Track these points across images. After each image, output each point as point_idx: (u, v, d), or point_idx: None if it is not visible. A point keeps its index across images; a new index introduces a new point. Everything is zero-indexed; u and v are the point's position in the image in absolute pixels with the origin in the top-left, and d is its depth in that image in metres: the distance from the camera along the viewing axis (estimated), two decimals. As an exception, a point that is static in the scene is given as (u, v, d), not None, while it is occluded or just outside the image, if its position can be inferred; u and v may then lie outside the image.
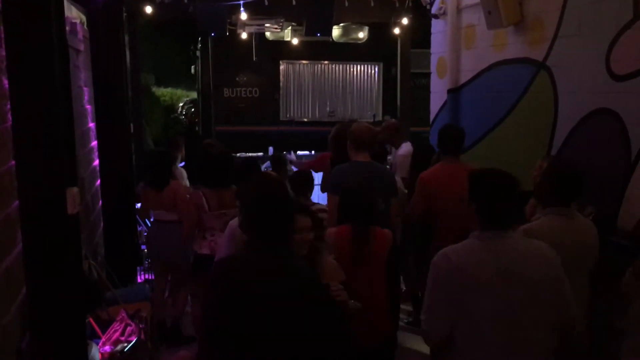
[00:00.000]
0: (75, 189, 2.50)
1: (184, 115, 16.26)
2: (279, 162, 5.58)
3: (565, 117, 4.65)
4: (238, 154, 10.26)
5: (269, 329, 2.13)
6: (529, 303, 2.34)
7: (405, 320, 5.27)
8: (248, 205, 2.37)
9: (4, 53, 2.58)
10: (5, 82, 2.64)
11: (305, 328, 2.16)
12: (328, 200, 4.19)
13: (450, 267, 2.40)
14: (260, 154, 10.42)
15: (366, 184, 3.60)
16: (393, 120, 6.51)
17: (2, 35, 2.64)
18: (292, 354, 2.14)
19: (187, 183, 6.25)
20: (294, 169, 6.35)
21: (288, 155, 6.46)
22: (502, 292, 2.33)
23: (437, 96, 6.80)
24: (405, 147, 5.94)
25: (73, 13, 5.10)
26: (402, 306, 5.31)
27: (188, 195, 4.77)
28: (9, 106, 2.62)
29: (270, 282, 2.17)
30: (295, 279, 2.22)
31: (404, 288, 5.49)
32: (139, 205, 6.32)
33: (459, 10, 6.20)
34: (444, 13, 6.43)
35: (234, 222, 3.47)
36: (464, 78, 6.21)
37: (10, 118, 2.50)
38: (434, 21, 6.79)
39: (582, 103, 4.44)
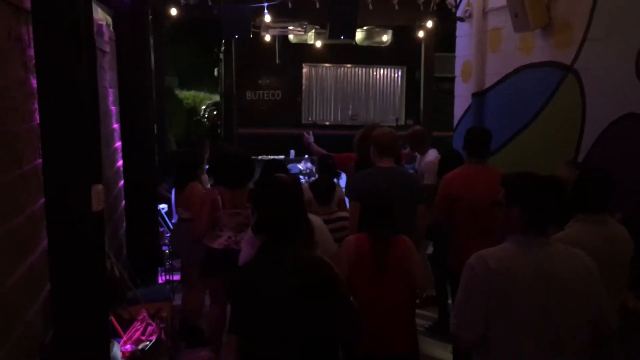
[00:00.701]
0: (100, 186, 2.52)
1: (206, 118, 16.38)
2: (326, 165, 5.57)
3: (593, 122, 4.57)
4: (260, 157, 10.29)
5: (279, 327, 2.22)
6: (567, 311, 2.29)
7: (427, 326, 5.21)
8: (261, 207, 2.42)
9: (32, 52, 2.61)
10: (34, 81, 2.67)
11: (314, 323, 2.23)
12: (350, 206, 4.15)
13: (489, 271, 2.33)
14: (282, 156, 10.44)
15: (388, 190, 3.54)
16: (418, 127, 6.42)
17: (31, 35, 2.68)
18: (302, 343, 2.24)
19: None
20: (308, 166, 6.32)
21: (306, 136, 6.37)
22: (540, 299, 2.28)
23: (461, 100, 6.74)
24: (432, 154, 5.86)
25: (99, 15, 5.16)
26: (423, 312, 5.26)
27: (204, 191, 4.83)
28: (36, 105, 2.66)
29: (275, 284, 2.24)
30: (297, 279, 2.26)
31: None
32: (161, 206, 6.37)
33: (484, 13, 6.14)
34: (470, 16, 6.38)
35: None
36: (489, 82, 6.14)
37: (38, 116, 2.52)
38: (459, 24, 6.74)
39: (611, 107, 4.36)
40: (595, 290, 2.34)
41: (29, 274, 2.57)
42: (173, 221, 6.14)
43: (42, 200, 2.66)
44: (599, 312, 2.34)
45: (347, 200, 4.52)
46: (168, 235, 6.36)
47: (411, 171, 5.62)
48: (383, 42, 12.44)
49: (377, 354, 3.22)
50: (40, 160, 2.60)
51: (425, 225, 4.18)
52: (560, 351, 2.29)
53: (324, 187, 4.46)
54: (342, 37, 8.65)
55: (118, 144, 5.64)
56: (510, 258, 2.36)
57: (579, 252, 2.42)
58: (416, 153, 6.14)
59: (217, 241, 4.42)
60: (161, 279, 6.02)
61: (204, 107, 17.36)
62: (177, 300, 5.26)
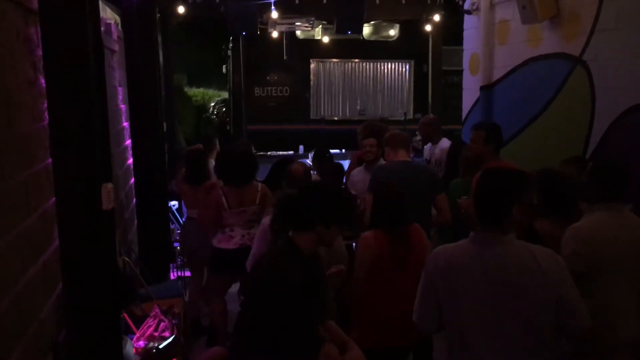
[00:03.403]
0: (110, 185, 2.54)
1: (215, 115, 16.41)
2: (320, 157, 5.63)
3: (603, 114, 4.53)
4: (269, 153, 10.31)
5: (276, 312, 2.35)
6: (517, 310, 2.27)
7: None
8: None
9: (40, 53, 2.63)
10: (42, 81, 2.70)
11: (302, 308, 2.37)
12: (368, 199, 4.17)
13: (438, 267, 2.40)
14: (291, 152, 10.45)
15: (401, 184, 3.54)
16: (432, 115, 6.41)
17: (39, 36, 2.70)
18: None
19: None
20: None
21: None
22: (488, 297, 2.29)
23: (470, 93, 6.71)
24: (447, 141, 5.84)
25: (108, 14, 5.18)
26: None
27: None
28: (46, 105, 2.68)
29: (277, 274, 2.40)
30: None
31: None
32: (172, 203, 6.41)
33: (492, 6, 6.11)
34: (477, 9, 6.35)
35: (267, 221, 3.51)
36: (497, 74, 6.11)
37: (47, 116, 2.55)
38: (466, 17, 6.71)
39: (620, 99, 4.32)
40: (553, 291, 2.28)
41: (42, 273, 2.60)
42: (184, 219, 6.18)
43: (53, 199, 2.69)
44: (561, 313, 2.29)
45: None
46: (179, 232, 6.40)
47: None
48: (390, 37, 12.40)
49: (397, 347, 3.25)
50: (50, 160, 2.62)
51: (449, 213, 4.15)
52: (514, 349, 2.28)
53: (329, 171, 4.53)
54: (349, 32, 8.65)
55: (128, 142, 5.67)
56: (460, 255, 2.38)
57: (541, 250, 2.36)
58: (422, 145, 6.14)
59: (232, 241, 4.44)
60: (173, 276, 6.06)
61: (212, 104, 17.39)
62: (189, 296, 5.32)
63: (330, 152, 5.91)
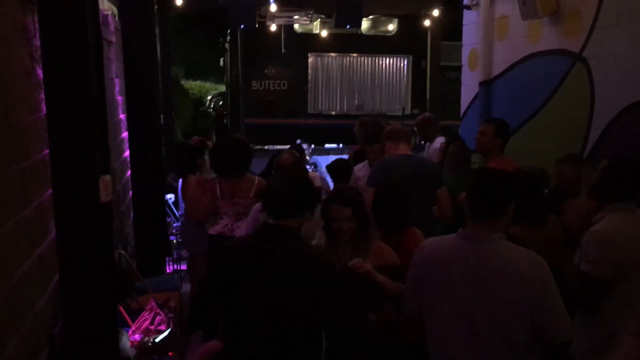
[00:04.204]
0: (107, 177, 2.51)
1: (212, 108, 16.37)
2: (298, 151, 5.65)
3: (602, 110, 4.53)
4: (266, 147, 10.28)
5: (251, 300, 2.43)
6: (492, 311, 2.24)
7: None
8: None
9: (38, 43, 2.60)
10: (40, 71, 2.67)
11: (290, 307, 2.39)
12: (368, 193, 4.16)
13: (422, 259, 2.44)
14: (289, 146, 10.43)
15: (402, 177, 3.52)
16: (427, 113, 6.42)
17: (37, 26, 2.67)
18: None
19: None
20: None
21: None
22: (464, 295, 2.28)
23: (468, 89, 6.70)
24: (440, 141, 5.85)
25: (105, 5, 5.14)
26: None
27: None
28: (42, 95, 2.65)
29: (260, 258, 2.43)
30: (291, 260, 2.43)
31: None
32: (168, 196, 6.39)
33: (492, 1, 6.09)
34: (477, 4, 6.33)
35: (257, 206, 3.52)
36: (496, 70, 6.10)
37: (45, 107, 2.52)
38: (465, 12, 6.69)
39: (620, 95, 4.32)
40: (527, 296, 2.22)
41: (38, 265, 2.58)
42: (180, 212, 6.16)
43: (50, 191, 2.67)
44: (540, 321, 2.24)
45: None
46: (175, 225, 6.39)
47: None
48: (389, 31, 12.35)
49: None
50: (47, 151, 2.60)
51: (450, 207, 4.13)
52: (485, 351, 2.25)
53: (341, 167, 4.51)
54: (348, 27, 8.61)
55: (125, 134, 5.64)
56: (445, 248, 2.39)
57: (522, 255, 2.30)
58: (423, 141, 6.13)
59: (214, 227, 4.49)
60: (169, 269, 6.05)
61: (209, 97, 17.34)
62: (185, 289, 5.29)
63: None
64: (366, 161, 5.07)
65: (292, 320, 2.41)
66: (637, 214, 2.93)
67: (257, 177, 4.65)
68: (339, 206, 2.84)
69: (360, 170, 5.03)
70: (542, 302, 2.23)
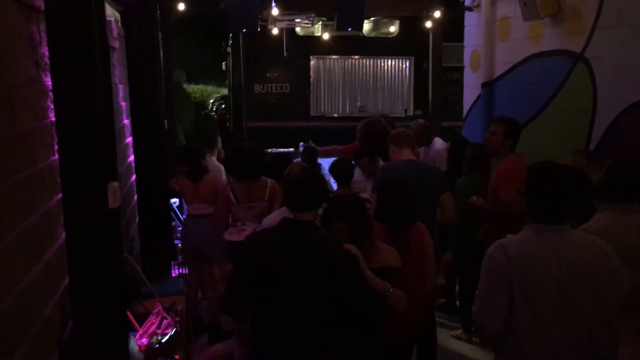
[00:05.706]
0: (116, 183, 2.54)
1: (214, 112, 16.39)
2: (310, 154, 5.66)
3: (605, 110, 4.54)
4: (269, 150, 10.30)
5: (282, 291, 2.48)
6: (592, 295, 2.27)
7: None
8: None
9: (43, 51, 2.63)
10: (46, 79, 2.69)
11: (318, 295, 2.46)
12: (371, 197, 4.16)
13: (509, 259, 2.32)
14: (292, 149, 10.44)
15: (403, 183, 3.53)
16: (421, 120, 6.49)
17: (42, 34, 2.69)
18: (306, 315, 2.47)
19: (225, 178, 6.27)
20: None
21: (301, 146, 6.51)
22: (563, 284, 2.27)
23: (470, 90, 6.71)
24: (439, 142, 5.87)
25: (108, 11, 5.17)
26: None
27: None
28: (49, 102, 2.68)
29: (285, 249, 2.51)
30: (309, 250, 2.50)
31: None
32: (173, 200, 6.40)
33: (493, 2, 6.11)
34: (478, 5, 6.35)
35: (276, 214, 3.64)
36: (498, 71, 6.12)
37: (54, 115, 2.55)
38: (467, 14, 6.71)
39: (622, 95, 4.33)
40: (618, 273, 2.31)
41: (46, 270, 2.60)
42: (184, 216, 6.16)
43: (58, 196, 2.69)
44: (620, 295, 2.31)
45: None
46: (180, 229, 6.39)
47: None
48: (390, 33, 12.34)
49: (398, 341, 3.26)
50: (54, 158, 2.62)
51: (454, 212, 4.15)
52: (590, 336, 2.28)
53: (343, 169, 4.52)
54: (349, 29, 8.61)
55: (129, 139, 5.67)
56: (529, 245, 2.35)
57: (594, 237, 2.39)
58: (419, 149, 6.14)
59: (243, 234, 4.46)
60: (174, 273, 6.06)
61: (212, 100, 17.35)
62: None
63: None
64: (357, 168, 5.06)
65: (322, 308, 2.49)
66: (633, 213, 2.96)
67: (269, 179, 4.65)
68: (334, 219, 2.89)
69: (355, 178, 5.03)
70: (624, 272, 2.34)
